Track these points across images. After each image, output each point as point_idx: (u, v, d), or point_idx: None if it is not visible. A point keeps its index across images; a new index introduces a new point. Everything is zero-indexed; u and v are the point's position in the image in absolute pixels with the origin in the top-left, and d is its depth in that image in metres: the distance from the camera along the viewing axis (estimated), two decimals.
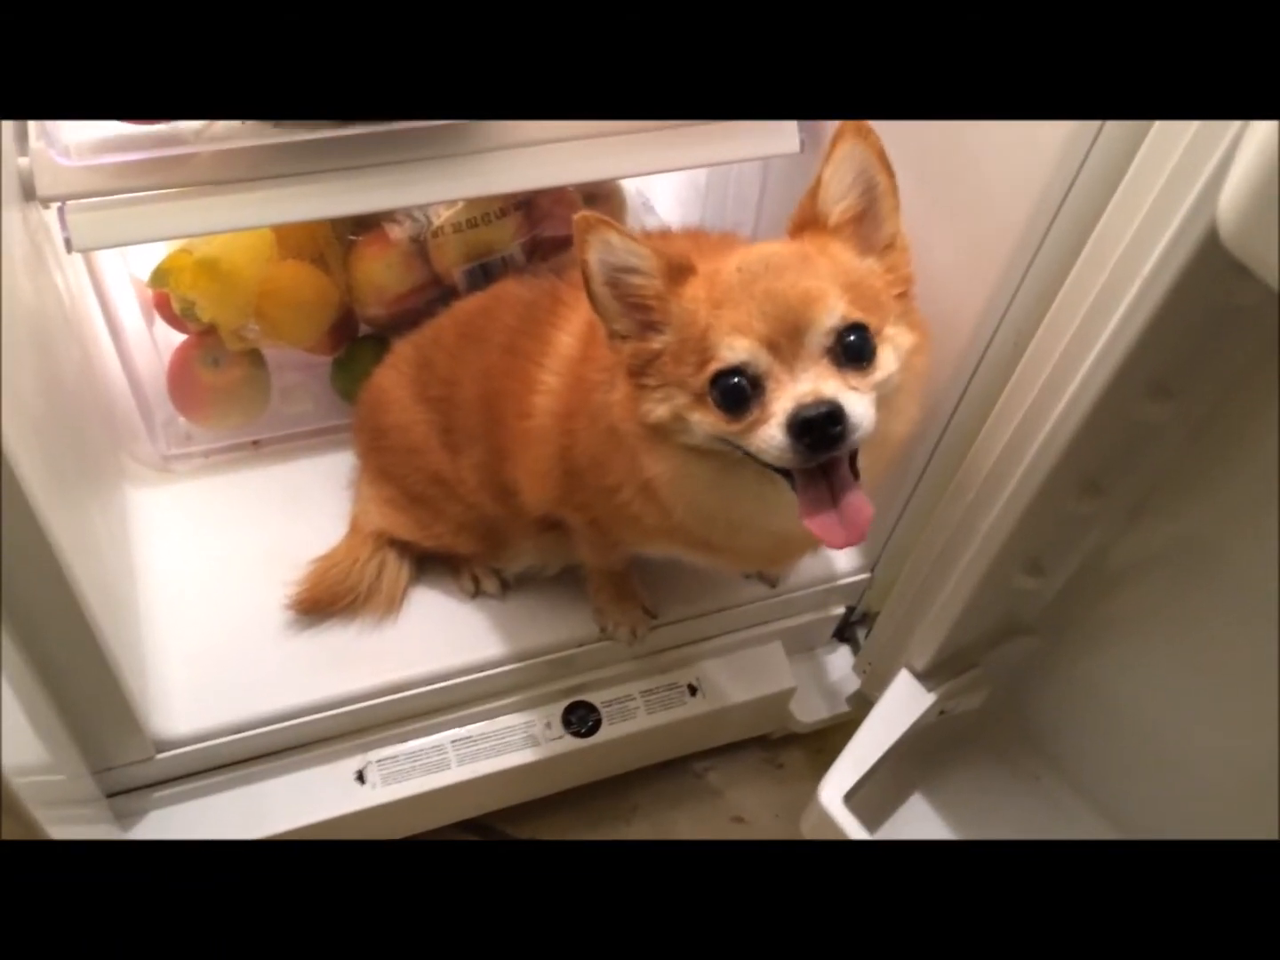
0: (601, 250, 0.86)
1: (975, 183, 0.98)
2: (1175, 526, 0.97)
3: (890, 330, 0.86)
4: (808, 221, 0.89)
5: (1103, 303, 0.78)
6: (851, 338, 0.82)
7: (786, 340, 0.82)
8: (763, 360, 0.82)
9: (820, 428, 0.79)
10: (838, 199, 0.88)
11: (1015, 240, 0.92)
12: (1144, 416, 0.84)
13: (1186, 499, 0.93)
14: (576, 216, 0.85)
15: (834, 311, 0.81)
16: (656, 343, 0.87)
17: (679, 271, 0.87)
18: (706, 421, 0.85)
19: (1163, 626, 1.03)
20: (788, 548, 1.11)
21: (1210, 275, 0.71)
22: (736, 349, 0.82)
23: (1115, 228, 0.78)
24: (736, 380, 0.82)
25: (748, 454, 0.85)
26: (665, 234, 1.14)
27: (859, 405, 0.81)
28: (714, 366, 0.83)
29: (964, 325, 1.02)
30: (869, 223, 0.89)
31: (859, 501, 0.83)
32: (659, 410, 0.88)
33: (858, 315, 0.83)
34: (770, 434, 0.81)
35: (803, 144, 1.21)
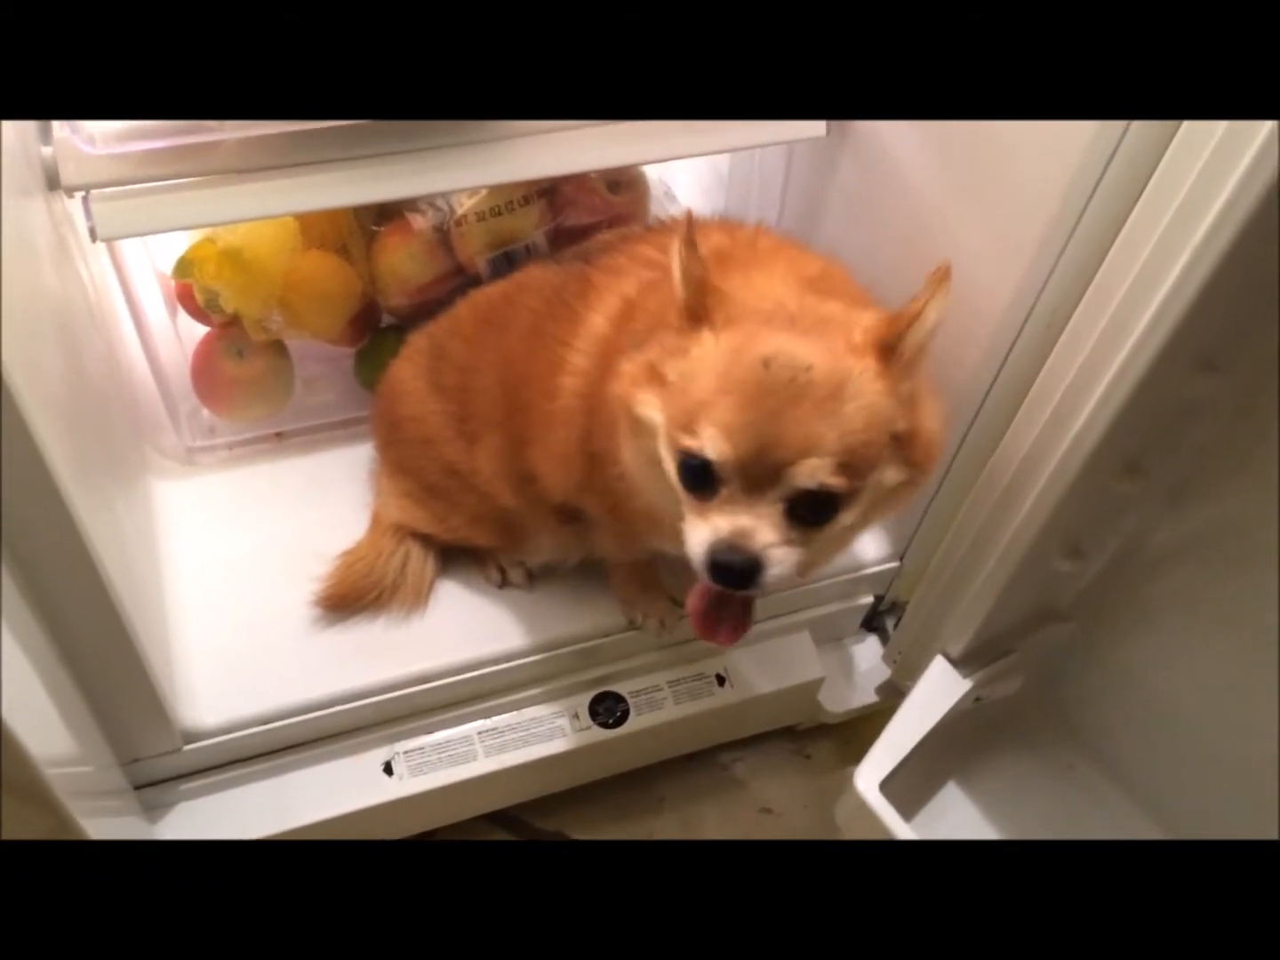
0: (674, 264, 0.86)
1: (1005, 155, 0.96)
2: (1215, 509, 0.95)
3: (873, 477, 0.84)
4: (885, 344, 0.83)
5: (1149, 274, 0.76)
6: (817, 503, 0.82)
7: (759, 471, 0.80)
8: (729, 471, 0.81)
9: (731, 574, 0.81)
10: (924, 331, 0.83)
11: (1051, 216, 0.90)
12: (1190, 392, 0.83)
13: (1228, 481, 0.92)
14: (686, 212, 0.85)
15: (813, 477, 0.80)
16: (672, 372, 0.86)
17: (696, 314, 0.85)
18: (668, 462, 0.86)
19: (1201, 613, 1.02)
20: None
21: (1266, 239, 0.69)
22: (717, 449, 0.81)
23: (1164, 193, 0.76)
24: (700, 467, 0.82)
25: None
26: (699, 223, 1.12)
27: (782, 561, 0.81)
28: (689, 442, 0.82)
29: (994, 309, 1.00)
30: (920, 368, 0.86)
31: (731, 629, 0.90)
32: (645, 410, 0.87)
33: (836, 483, 0.81)
34: (693, 539, 0.83)
35: (828, 129, 1.19)
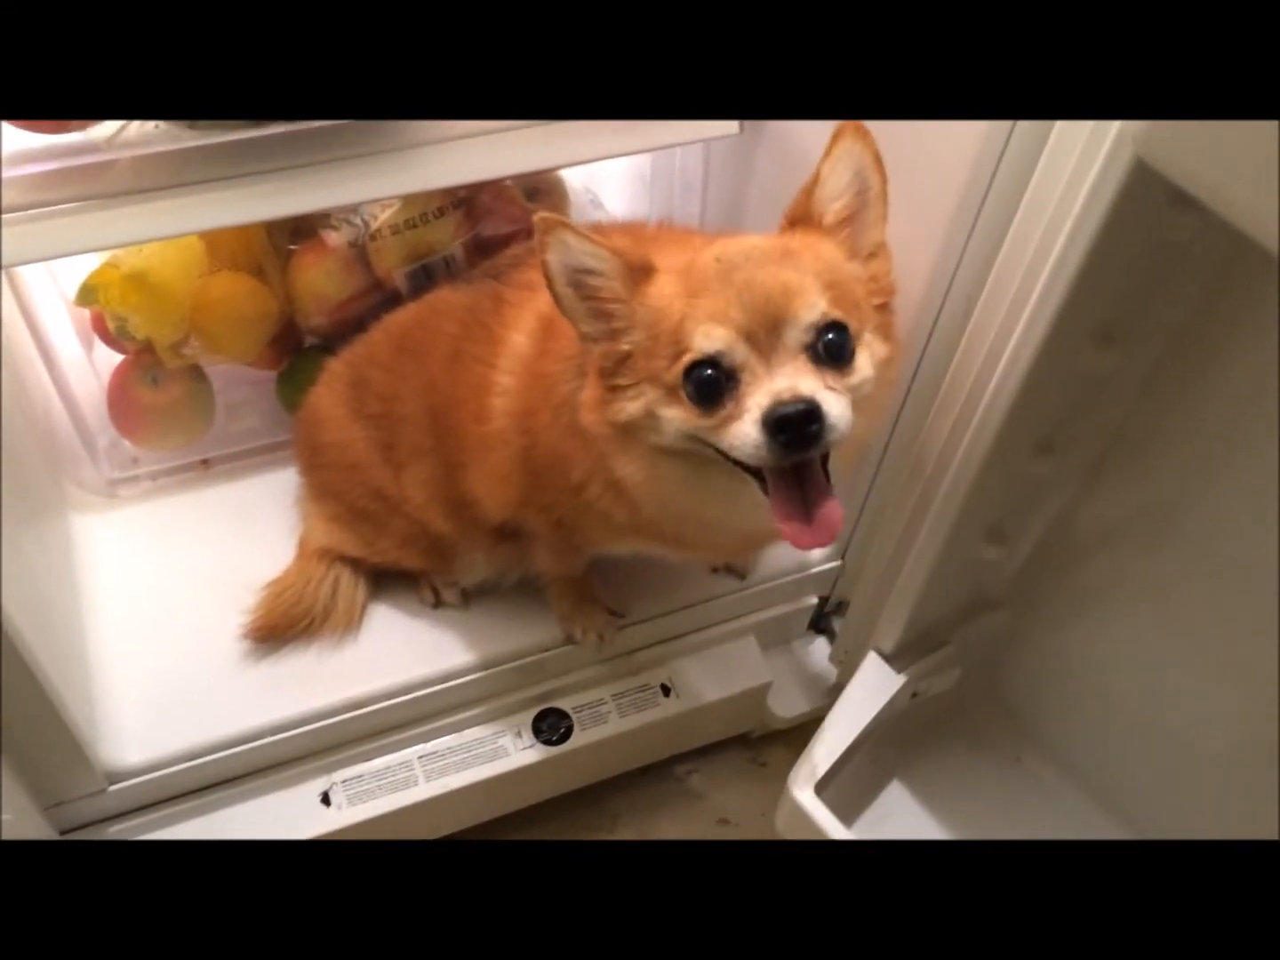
0: (560, 252, 0.83)
1: (913, 148, 0.95)
2: (1136, 490, 0.95)
3: (868, 336, 0.84)
4: (801, 217, 0.87)
5: (1043, 249, 0.76)
6: (831, 336, 0.80)
7: (765, 333, 0.79)
8: (739, 352, 0.79)
9: (797, 426, 0.76)
10: (833, 197, 0.86)
11: (957, 198, 0.90)
12: (1091, 367, 0.82)
13: (1144, 459, 0.91)
14: (536, 217, 0.82)
15: (814, 307, 0.79)
16: (625, 343, 0.84)
17: (639, 272, 0.84)
18: (678, 417, 0.82)
19: (1133, 594, 1.01)
20: (759, 540, 1.09)
21: (1143, 205, 0.69)
22: (712, 338, 0.79)
23: (1054, 168, 0.76)
24: (710, 372, 0.79)
25: (720, 452, 0.82)
26: (601, 228, 1.11)
27: (836, 405, 0.78)
28: (688, 357, 0.80)
29: (914, 293, 0.99)
30: (859, 226, 0.87)
31: (831, 505, 0.81)
32: (630, 408, 0.85)
33: (838, 314, 0.80)
34: (744, 430, 0.78)
35: (741, 127, 1.18)
